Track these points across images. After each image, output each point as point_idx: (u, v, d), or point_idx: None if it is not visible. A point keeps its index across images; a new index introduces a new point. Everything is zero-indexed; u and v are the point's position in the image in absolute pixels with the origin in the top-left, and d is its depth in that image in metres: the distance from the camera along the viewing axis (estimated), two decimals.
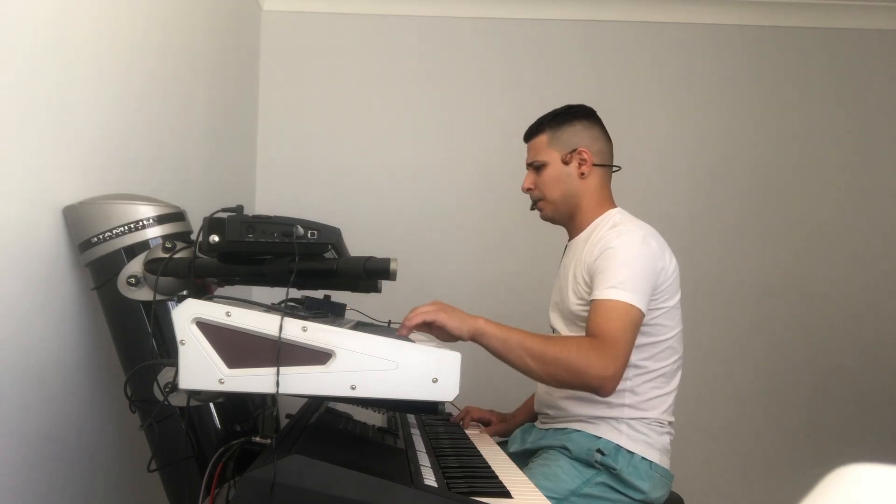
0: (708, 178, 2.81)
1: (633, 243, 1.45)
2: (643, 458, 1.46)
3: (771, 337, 2.78)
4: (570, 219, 1.63)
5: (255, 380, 0.95)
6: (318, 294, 1.31)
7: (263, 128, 2.83)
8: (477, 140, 2.80)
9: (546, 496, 1.14)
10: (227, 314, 0.95)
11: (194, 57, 2.08)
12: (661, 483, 1.48)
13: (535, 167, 1.61)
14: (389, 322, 1.48)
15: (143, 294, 1.24)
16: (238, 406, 1.35)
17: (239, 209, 1.08)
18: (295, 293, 1.14)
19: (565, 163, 1.58)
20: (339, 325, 1.01)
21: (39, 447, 1.26)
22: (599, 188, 1.60)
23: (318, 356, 0.95)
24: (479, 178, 2.78)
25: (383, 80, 2.83)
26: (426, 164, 2.82)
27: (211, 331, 0.95)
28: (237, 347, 0.95)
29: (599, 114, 1.65)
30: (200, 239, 1.09)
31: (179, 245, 1.23)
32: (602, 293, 1.39)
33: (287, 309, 1.08)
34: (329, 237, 1.07)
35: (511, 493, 1.10)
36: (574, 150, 1.57)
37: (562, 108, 1.63)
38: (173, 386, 1.16)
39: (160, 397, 1.19)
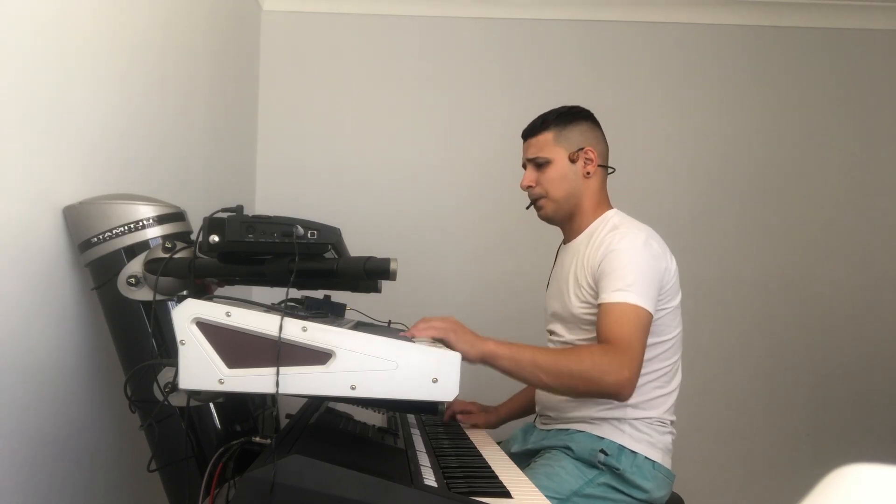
0: (708, 178, 2.81)
1: (636, 245, 1.45)
2: (646, 457, 1.46)
3: (771, 337, 2.78)
4: (569, 219, 1.63)
5: (255, 380, 0.95)
6: (318, 294, 1.31)
7: (263, 128, 2.83)
8: (477, 140, 2.80)
9: (548, 496, 1.14)
10: (227, 314, 0.95)
11: (194, 57, 2.08)
12: (664, 483, 1.49)
13: (538, 164, 1.60)
14: (389, 322, 1.48)
15: (143, 294, 1.24)
16: (238, 406, 1.35)
17: (239, 209, 1.08)
18: (295, 293, 1.14)
19: (572, 161, 1.58)
20: (339, 325, 1.01)
21: (39, 447, 1.26)
22: (599, 189, 1.61)
23: (318, 356, 0.95)
24: (479, 178, 2.78)
25: (383, 80, 2.83)
26: (426, 164, 2.82)
27: (211, 331, 0.95)
28: (237, 347, 0.95)
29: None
30: (200, 239, 1.09)
31: (179, 245, 1.23)
32: (611, 296, 1.39)
33: (287, 309, 1.08)
34: (329, 237, 1.07)
35: (511, 493, 1.10)
36: (581, 149, 1.58)
37: (563, 107, 1.63)
38: (173, 386, 1.16)
39: (160, 397, 1.19)
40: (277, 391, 0.93)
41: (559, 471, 1.43)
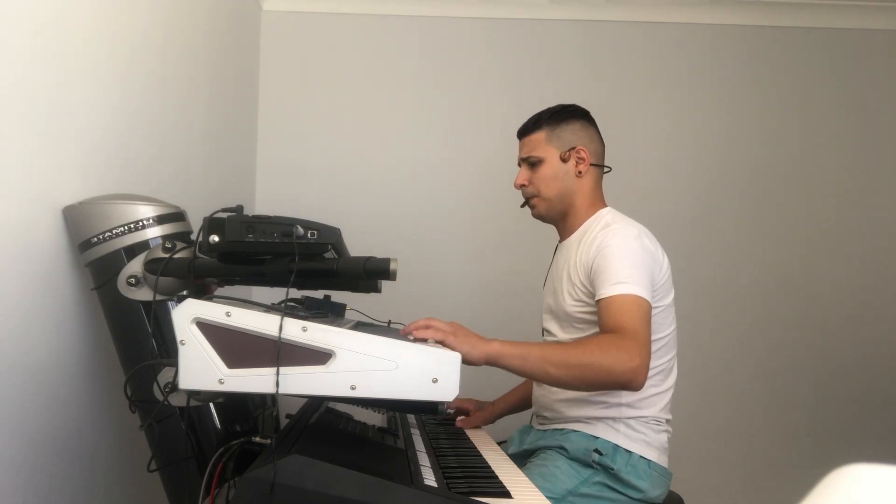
0: (708, 178, 2.81)
1: (628, 240, 1.45)
2: (641, 456, 1.46)
3: (771, 337, 2.78)
4: (562, 217, 1.62)
5: (254, 380, 0.95)
6: (318, 294, 1.31)
7: (263, 128, 2.83)
8: (477, 140, 2.80)
9: (543, 496, 1.14)
10: (227, 314, 0.95)
11: (194, 57, 2.08)
12: (660, 481, 1.48)
13: (531, 163, 1.60)
14: (389, 322, 1.47)
15: (143, 294, 1.24)
16: (238, 406, 1.35)
17: (239, 209, 1.08)
18: (295, 293, 1.14)
19: (563, 160, 1.58)
20: (339, 325, 1.01)
21: (39, 447, 1.26)
22: (593, 188, 1.61)
23: (318, 356, 0.95)
24: (479, 178, 2.78)
25: (383, 80, 2.83)
26: (426, 164, 2.82)
27: (211, 331, 0.95)
28: (237, 347, 0.95)
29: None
30: (200, 239, 1.09)
31: (179, 245, 1.23)
32: (609, 290, 1.39)
33: (287, 309, 1.08)
34: (329, 237, 1.07)
35: (511, 493, 1.10)
36: (573, 149, 1.58)
37: (557, 106, 1.63)
38: (173, 386, 1.16)
39: (160, 397, 1.19)
40: (277, 391, 0.93)
41: (554, 470, 1.43)
